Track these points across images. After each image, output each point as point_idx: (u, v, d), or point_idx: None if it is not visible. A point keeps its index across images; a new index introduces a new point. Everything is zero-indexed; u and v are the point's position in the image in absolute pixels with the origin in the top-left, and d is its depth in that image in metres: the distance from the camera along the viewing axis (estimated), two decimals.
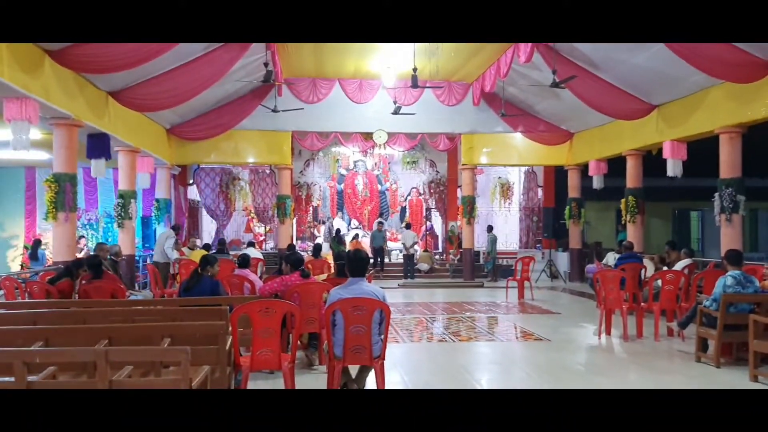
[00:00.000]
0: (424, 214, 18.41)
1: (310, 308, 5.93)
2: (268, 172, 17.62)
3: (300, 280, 6.05)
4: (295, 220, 16.85)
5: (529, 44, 10.44)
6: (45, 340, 4.00)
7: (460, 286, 14.71)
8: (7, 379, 3.19)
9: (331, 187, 18.71)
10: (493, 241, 15.61)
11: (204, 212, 17.65)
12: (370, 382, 4.78)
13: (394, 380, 5.53)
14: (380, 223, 16.82)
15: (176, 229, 12.30)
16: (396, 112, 13.26)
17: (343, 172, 18.74)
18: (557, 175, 16.98)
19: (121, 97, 9.72)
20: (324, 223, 18.32)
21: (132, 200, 11.40)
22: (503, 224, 18.23)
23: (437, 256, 17.72)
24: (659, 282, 7.80)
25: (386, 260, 16.50)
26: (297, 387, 4.86)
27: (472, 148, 15.39)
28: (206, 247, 12.97)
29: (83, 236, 14.79)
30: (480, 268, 15.99)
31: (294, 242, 14.96)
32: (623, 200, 12.58)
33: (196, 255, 9.66)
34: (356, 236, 16.82)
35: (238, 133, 14.23)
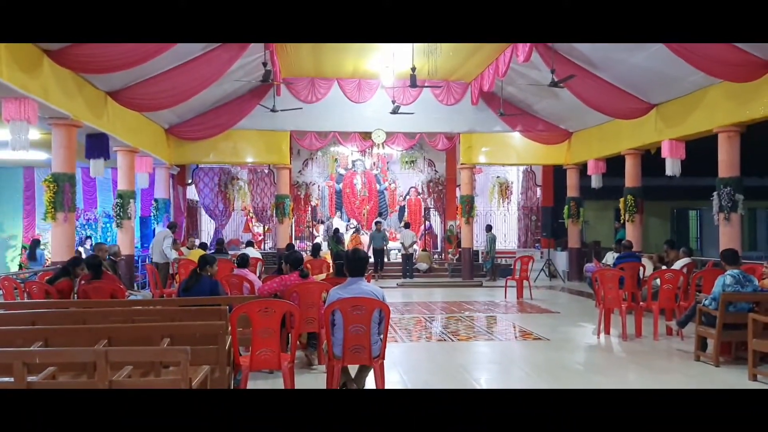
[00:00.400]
0: (422, 213, 18.40)
1: (309, 308, 5.93)
2: (266, 171, 17.62)
3: (299, 279, 6.04)
4: (293, 220, 16.83)
5: (528, 44, 10.43)
6: (44, 340, 4.00)
7: (459, 285, 14.71)
8: (6, 379, 3.18)
9: (330, 186, 18.70)
10: (492, 240, 15.60)
11: (203, 212, 17.64)
12: (370, 382, 4.79)
13: (394, 380, 5.53)
14: (378, 223, 16.36)
15: (173, 227, 12.26)
16: (394, 111, 13.25)
17: (342, 171, 18.73)
18: (556, 174, 16.97)
19: (120, 97, 9.72)
20: (323, 222, 18.28)
21: (131, 200, 11.40)
22: (502, 223, 18.27)
23: (436, 256, 17.73)
24: (658, 281, 7.81)
25: (385, 260, 16.45)
26: (296, 387, 4.86)
27: (470, 147, 15.38)
28: (203, 246, 12.91)
29: (89, 237, 14.81)
30: (479, 267, 15.99)
31: (293, 242, 14.93)
32: (622, 199, 12.59)
33: (195, 254, 9.65)
34: (357, 230, 16.63)
35: (237, 133, 14.21)
